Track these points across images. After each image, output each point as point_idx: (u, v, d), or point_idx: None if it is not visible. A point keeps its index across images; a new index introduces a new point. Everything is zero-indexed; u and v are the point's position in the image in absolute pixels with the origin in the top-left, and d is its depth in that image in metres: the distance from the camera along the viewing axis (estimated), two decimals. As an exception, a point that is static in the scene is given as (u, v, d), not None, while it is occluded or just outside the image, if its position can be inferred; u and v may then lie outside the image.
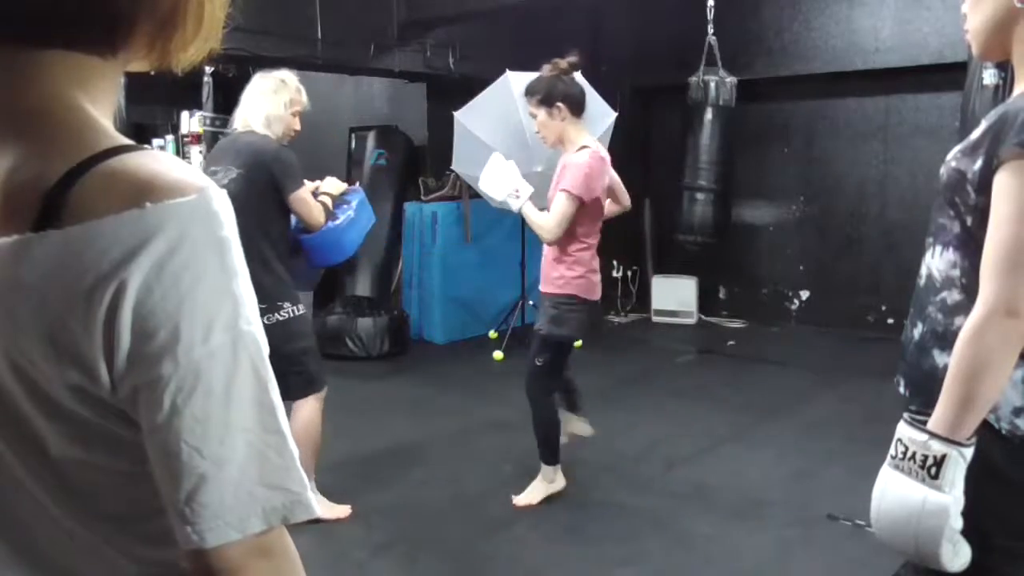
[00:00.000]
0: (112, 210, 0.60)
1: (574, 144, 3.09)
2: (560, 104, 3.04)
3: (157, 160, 0.64)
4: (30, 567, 0.72)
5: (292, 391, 3.03)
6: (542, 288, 3.23)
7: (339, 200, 3.24)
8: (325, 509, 3.17)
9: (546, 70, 3.12)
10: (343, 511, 3.25)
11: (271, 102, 3.04)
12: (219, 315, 0.62)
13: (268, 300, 2.95)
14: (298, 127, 3.10)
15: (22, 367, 0.63)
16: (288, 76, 3.09)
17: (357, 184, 3.49)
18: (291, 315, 3.02)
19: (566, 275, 3.11)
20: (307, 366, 3.07)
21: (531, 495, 3.31)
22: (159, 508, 0.64)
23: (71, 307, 0.60)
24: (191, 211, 0.62)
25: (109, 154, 0.63)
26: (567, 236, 3.07)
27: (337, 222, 3.19)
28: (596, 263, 3.19)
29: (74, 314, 0.60)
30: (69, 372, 0.62)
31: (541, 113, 3.08)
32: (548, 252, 3.17)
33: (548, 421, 3.26)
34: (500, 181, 3.16)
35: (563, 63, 3.10)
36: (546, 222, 3.04)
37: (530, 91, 3.11)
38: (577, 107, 3.08)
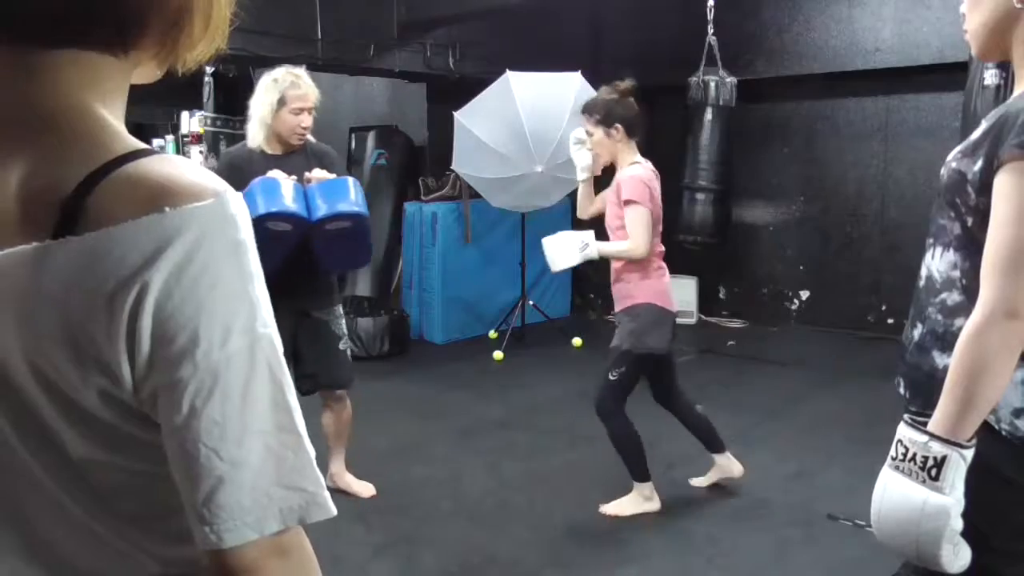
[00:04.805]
0: (131, 215, 0.60)
1: (626, 162, 3.13)
2: (618, 126, 3.09)
3: (173, 164, 0.65)
4: (49, 568, 0.72)
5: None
6: (617, 308, 3.17)
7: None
8: (349, 482, 3.44)
9: (604, 91, 3.17)
10: (367, 489, 3.44)
11: (258, 104, 2.98)
12: (236, 318, 0.63)
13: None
14: (305, 124, 3.00)
15: (43, 371, 0.63)
16: (280, 74, 2.99)
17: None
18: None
19: (641, 284, 3.09)
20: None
21: (621, 506, 3.22)
22: (179, 507, 0.65)
23: (93, 313, 0.61)
24: (209, 215, 0.62)
25: (126, 159, 0.64)
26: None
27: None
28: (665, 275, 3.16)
29: (96, 320, 0.61)
30: (93, 376, 0.62)
31: (598, 132, 3.11)
32: (615, 273, 3.14)
33: (622, 436, 3.14)
34: (566, 251, 3.10)
35: (622, 85, 3.16)
36: (629, 241, 3.01)
37: (588, 110, 3.14)
38: (632, 129, 3.12)
